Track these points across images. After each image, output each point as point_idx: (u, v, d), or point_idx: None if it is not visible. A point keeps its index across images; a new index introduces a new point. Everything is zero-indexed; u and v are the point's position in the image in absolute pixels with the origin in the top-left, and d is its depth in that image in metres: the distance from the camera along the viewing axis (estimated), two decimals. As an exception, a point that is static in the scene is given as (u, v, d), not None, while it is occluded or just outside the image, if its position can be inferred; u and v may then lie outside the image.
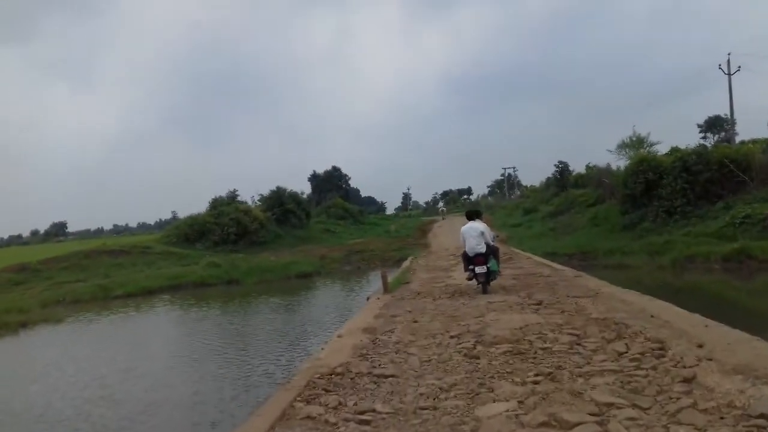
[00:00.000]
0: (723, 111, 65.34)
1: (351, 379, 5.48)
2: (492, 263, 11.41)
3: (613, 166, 38.20)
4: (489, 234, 11.83)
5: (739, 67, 33.18)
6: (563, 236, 28.59)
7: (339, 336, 7.93)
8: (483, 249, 11.40)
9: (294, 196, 43.43)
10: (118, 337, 15.28)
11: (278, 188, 42.91)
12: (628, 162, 30.93)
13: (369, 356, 6.46)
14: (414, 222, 58.01)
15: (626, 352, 5.95)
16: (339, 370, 5.72)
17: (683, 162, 23.29)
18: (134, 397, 9.39)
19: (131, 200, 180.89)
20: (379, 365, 6.03)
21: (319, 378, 5.47)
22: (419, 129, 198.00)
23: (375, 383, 5.33)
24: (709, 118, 74.05)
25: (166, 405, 8.92)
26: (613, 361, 5.70)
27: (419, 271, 18.12)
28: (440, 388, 5.07)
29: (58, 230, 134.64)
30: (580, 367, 5.53)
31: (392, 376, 5.52)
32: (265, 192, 43.49)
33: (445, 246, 27.72)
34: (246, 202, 41.74)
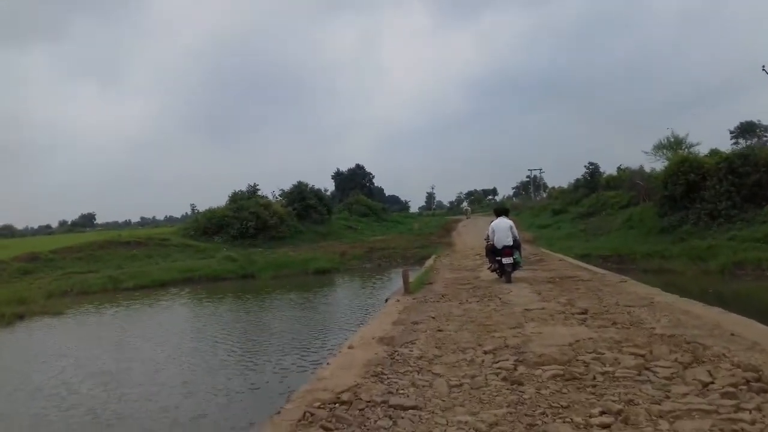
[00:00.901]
0: (756, 116, 63.06)
1: (360, 410, 4.24)
2: (517, 255, 12.62)
3: (648, 168, 36.54)
4: (515, 229, 13.02)
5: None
6: (595, 238, 27.01)
7: (349, 347, 6.72)
8: (510, 242, 12.52)
9: (315, 192, 42.41)
10: (105, 334, 14.09)
11: (299, 183, 41.98)
12: (666, 163, 29.17)
13: (384, 377, 5.22)
14: (438, 221, 56.73)
15: (712, 383, 4.65)
16: (345, 396, 4.51)
17: (729, 163, 21.60)
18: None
19: (159, 194, 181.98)
20: (397, 390, 4.79)
21: (318, 407, 4.27)
22: (445, 130, 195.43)
23: (390, 418, 4.08)
24: (741, 123, 71.40)
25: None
26: (698, 395, 4.41)
27: (443, 270, 16.88)
28: (476, 430, 3.82)
29: (87, 221, 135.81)
30: (658, 403, 4.24)
31: (413, 408, 4.27)
32: (287, 187, 42.62)
33: (470, 245, 26.40)
34: (266, 197, 40.82)
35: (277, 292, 20.10)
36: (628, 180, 36.48)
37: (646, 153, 35.92)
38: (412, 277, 13.61)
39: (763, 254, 16.78)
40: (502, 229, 12.69)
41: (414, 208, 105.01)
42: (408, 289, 11.90)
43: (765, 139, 66.07)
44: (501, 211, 13.93)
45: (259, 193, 41.27)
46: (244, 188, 41.23)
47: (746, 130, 70.77)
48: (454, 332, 7.50)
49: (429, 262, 20.70)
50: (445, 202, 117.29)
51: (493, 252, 12.83)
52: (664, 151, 32.69)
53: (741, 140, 70.25)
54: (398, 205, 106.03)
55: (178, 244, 32.69)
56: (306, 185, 41.96)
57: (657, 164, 34.11)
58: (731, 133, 71.22)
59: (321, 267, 26.21)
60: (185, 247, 32.46)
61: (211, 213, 37.27)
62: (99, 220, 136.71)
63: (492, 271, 13.07)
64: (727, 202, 21.04)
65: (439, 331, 7.66)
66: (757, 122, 70.94)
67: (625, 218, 28.23)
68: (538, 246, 25.27)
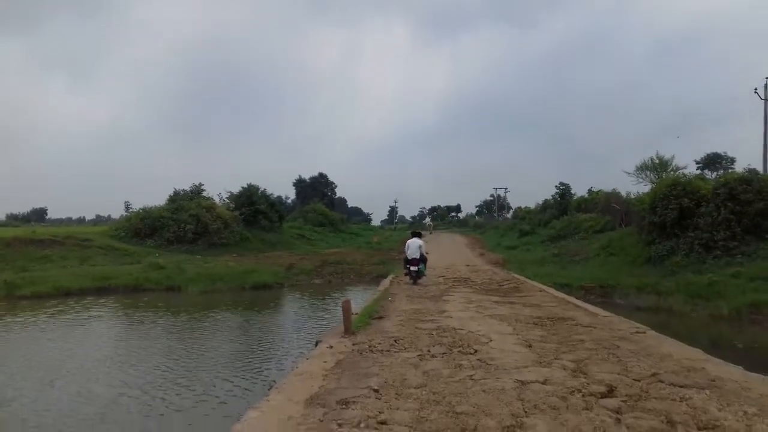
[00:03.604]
0: (722, 149, 62.58)
1: None
2: (422, 266, 16.56)
3: (623, 192, 34.31)
4: (423, 248, 16.80)
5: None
6: (572, 264, 24.31)
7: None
8: (418, 255, 16.42)
9: (267, 197, 38.73)
10: None
11: (250, 186, 38.24)
12: (652, 185, 26.75)
13: None
14: (399, 235, 53.75)
15: None
16: None
17: (729, 189, 19.10)
18: None
19: (118, 192, 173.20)
20: None
21: None
22: (413, 146, 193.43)
23: None
24: (708, 155, 70.78)
25: None
26: None
27: (400, 296, 13.69)
28: None
29: (38, 216, 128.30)
30: None
31: None
32: (236, 189, 38.81)
33: (432, 264, 23.36)
34: (212, 198, 36.94)
35: (195, 313, 16.61)
36: (602, 203, 34.18)
37: (629, 174, 33.67)
38: (360, 303, 10.42)
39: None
40: (414, 246, 16.65)
41: (376, 221, 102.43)
42: (348, 328, 8.66)
43: (730, 170, 65.68)
44: (415, 234, 17.98)
45: (204, 193, 37.36)
46: (186, 187, 37.33)
47: (712, 160, 70.17)
48: (407, 430, 4.33)
49: (385, 284, 17.50)
50: (408, 217, 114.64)
51: (406, 261, 16.99)
52: (648, 172, 30.39)
53: (707, 171, 69.55)
54: (360, 216, 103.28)
55: (102, 245, 28.65)
56: (257, 188, 38.27)
57: (638, 187, 31.90)
58: (697, 163, 70.55)
59: (261, 281, 22.83)
60: (110, 249, 28.47)
61: (145, 213, 33.15)
62: (51, 215, 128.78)
63: (405, 275, 17.26)
64: (725, 232, 18.50)
65: (383, 425, 4.47)
66: (723, 154, 70.55)
67: (603, 244, 25.65)
68: (509, 270, 22.34)
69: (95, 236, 30.40)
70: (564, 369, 6.28)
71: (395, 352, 7.35)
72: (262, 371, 10.08)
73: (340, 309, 13.27)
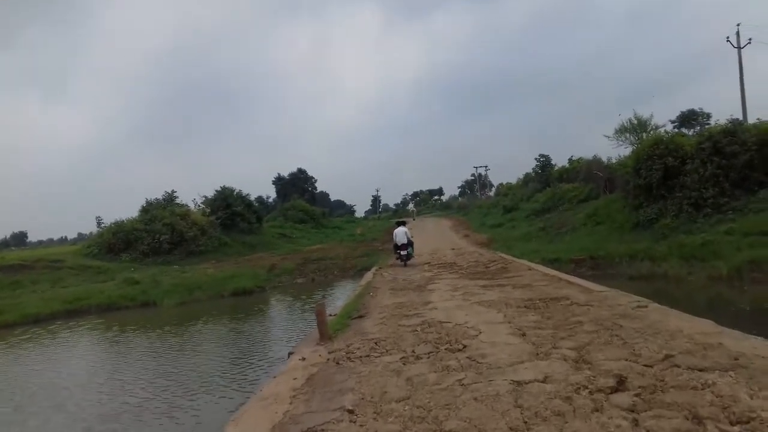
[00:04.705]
0: (698, 105, 62.51)
1: None
2: (410, 249, 18.82)
3: (605, 157, 33.73)
4: (409, 234, 19.22)
5: (750, 39, 28.87)
6: (559, 237, 23.72)
7: None
8: (405, 241, 18.76)
9: (243, 198, 37.59)
10: None
11: (224, 188, 37.03)
12: (634, 147, 26.10)
13: None
14: (383, 224, 52.96)
15: None
16: None
17: (713, 143, 18.49)
18: None
19: (98, 208, 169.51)
20: None
21: None
22: (391, 132, 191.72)
23: None
24: (683, 112, 70.46)
25: None
26: None
27: (383, 290, 12.90)
28: None
29: (19, 240, 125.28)
30: None
31: None
32: (210, 193, 37.57)
33: (417, 251, 22.58)
34: (186, 205, 35.73)
35: (166, 329, 15.70)
36: (584, 171, 33.62)
37: (608, 137, 32.95)
38: (342, 301, 9.55)
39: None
40: (401, 233, 19.05)
41: (360, 212, 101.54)
42: (324, 334, 7.85)
43: (707, 126, 65.39)
44: (400, 222, 21.83)
45: (178, 201, 36.13)
46: (159, 195, 36.05)
47: (688, 118, 69.87)
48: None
49: (367, 277, 16.73)
50: (391, 205, 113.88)
51: (395, 247, 19.25)
52: (627, 135, 29.73)
53: (684, 129, 69.20)
54: (344, 209, 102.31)
55: (75, 265, 27.49)
56: (231, 190, 37.07)
57: (619, 150, 31.30)
58: (672, 122, 70.13)
59: (241, 287, 21.87)
60: (83, 269, 27.33)
61: (117, 227, 31.81)
62: (32, 237, 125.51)
63: (396, 259, 19.37)
64: (713, 188, 17.93)
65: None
66: (698, 110, 70.25)
67: (588, 213, 25.05)
68: (495, 250, 21.65)
69: (67, 256, 29.20)
70: (564, 360, 5.53)
71: (376, 357, 6.57)
72: (225, 396, 8.93)
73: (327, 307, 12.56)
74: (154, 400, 9.04)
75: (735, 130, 18.67)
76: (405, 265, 18.13)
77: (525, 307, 8.72)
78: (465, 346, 6.53)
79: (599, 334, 6.45)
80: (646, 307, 7.73)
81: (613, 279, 14.43)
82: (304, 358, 6.79)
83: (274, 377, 6.29)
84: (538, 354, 5.86)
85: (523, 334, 6.83)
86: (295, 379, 5.94)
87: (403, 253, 18.60)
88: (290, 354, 7.57)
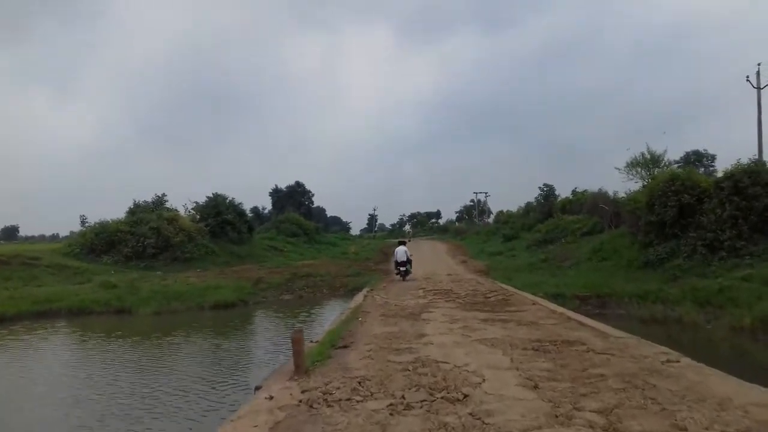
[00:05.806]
0: (702, 146, 61.98)
1: None
2: (408, 266, 21.36)
3: (613, 191, 32.74)
4: (408, 253, 21.63)
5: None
6: (562, 271, 22.56)
7: None
8: (405, 259, 21.24)
9: (235, 206, 36.42)
10: None
11: (216, 195, 35.89)
12: (644, 182, 25.12)
13: None
14: (378, 244, 51.77)
15: None
16: None
17: (734, 182, 17.48)
18: None
19: (95, 207, 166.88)
20: None
21: None
22: (394, 152, 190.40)
23: None
24: (687, 153, 69.98)
25: None
26: None
27: (373, 315, 11.74)
28: None
29: (9, 234, 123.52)
30: None
31: None
32: (201, 199, 36.39)
33: (412, 275, 21.46)
34: (175, 210, 34.54)
35: (135, 341, 14.48)
36: (589, 204, 32.62)
37: (619, 170, 31.97)
38: (326, 325, 8.34)
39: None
40: (401, 252, 21.38)
41: (356, 230, 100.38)
42: (300, 366, 6.68)
43: (711, 168, 64.66)
44: (402, 242, 23.94)
45: (168, 204, 34.95)
46: (148, 198, 34.87)
47: (693, 160, 69.25)
48: None
49: (357, 299, 15.55)
50: (388, 225, 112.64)
51: (396, 263, 21.84)
52: (639, 169, 28.74)
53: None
54: (339, 226, 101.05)
55: (51, 264, 26.18)
56: (224, 198, 35.93)
57: (627, 185, 30.33)
58: (676, 163, 69.50)
59: (223, 300, 20.63)
60: (60, 268, 26.03)
61: (101, 227, 30.58)
62: (23, 232, 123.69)
63: (396, 274, 21.93)
64: (731, 230, 16.86)
65: None
66: (703, 151, 69.72)
67: (594, 247, 23.96)
68: (494, 279, 20.51)
69: (45, 254, 27.87)
70: (591, 428, 4.39)
71: (358, 401, 5.42)
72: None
73: (310, 329, 11.30)
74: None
75: (758, 170, 17.66)
76: (403, 280, 20.57)
77: (533, 349, 7.58)
78: (466, 396, 5.40)
79: (628, 394, 5.31)
80: (678, 362, 6.59)
81: (622, 320, 13.31)
82: (272, 397, 5.62)
83: (232, 421, 5.10)
84: (557, 416, 4.72)
85: (536, 386, 5.69)
86: (255, 426, 4.77)
87: (402, 269, 21.08)
88: (257, 389, 6.40)
